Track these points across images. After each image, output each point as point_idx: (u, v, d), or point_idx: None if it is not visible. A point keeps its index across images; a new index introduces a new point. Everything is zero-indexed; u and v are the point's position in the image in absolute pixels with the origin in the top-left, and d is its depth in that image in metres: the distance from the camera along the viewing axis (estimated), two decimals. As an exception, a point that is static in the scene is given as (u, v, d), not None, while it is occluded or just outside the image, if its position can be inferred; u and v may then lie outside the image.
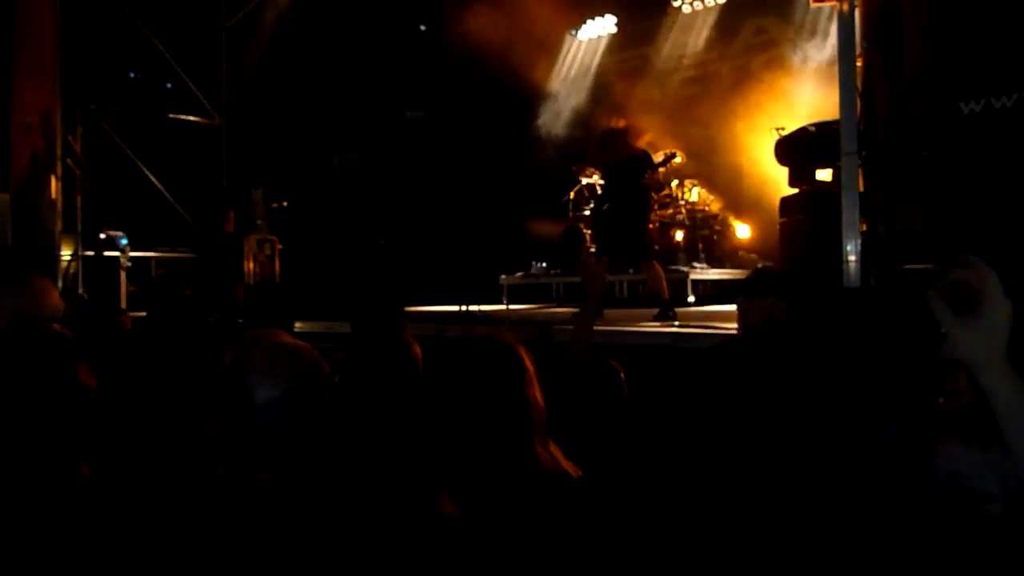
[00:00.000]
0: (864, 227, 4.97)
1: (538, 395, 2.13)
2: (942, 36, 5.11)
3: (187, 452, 2.18)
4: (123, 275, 9.33)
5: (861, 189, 5.08)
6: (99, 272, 9.48)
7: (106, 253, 9.51)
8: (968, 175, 4.91)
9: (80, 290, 9.21)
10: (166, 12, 10.84)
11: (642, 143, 6.86)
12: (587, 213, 9.49)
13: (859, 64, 5.37)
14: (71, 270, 9.53)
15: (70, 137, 9.67)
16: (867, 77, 5.50)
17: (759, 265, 9.34)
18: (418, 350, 2.91)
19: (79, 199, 9.57)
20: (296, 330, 3.46)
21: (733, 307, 7.59)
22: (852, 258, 4.69)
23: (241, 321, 3.47)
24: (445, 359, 2.32)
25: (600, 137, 7.01)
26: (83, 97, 9.88)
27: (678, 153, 7.70)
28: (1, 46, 10.08)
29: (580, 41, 12.49)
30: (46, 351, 1.77)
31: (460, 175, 11.48)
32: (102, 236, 9.65)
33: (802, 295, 2.91)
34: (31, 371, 1.73)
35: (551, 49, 12.02)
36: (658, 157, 6.93)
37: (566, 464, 2.08)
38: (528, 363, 2.15)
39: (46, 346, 1.78)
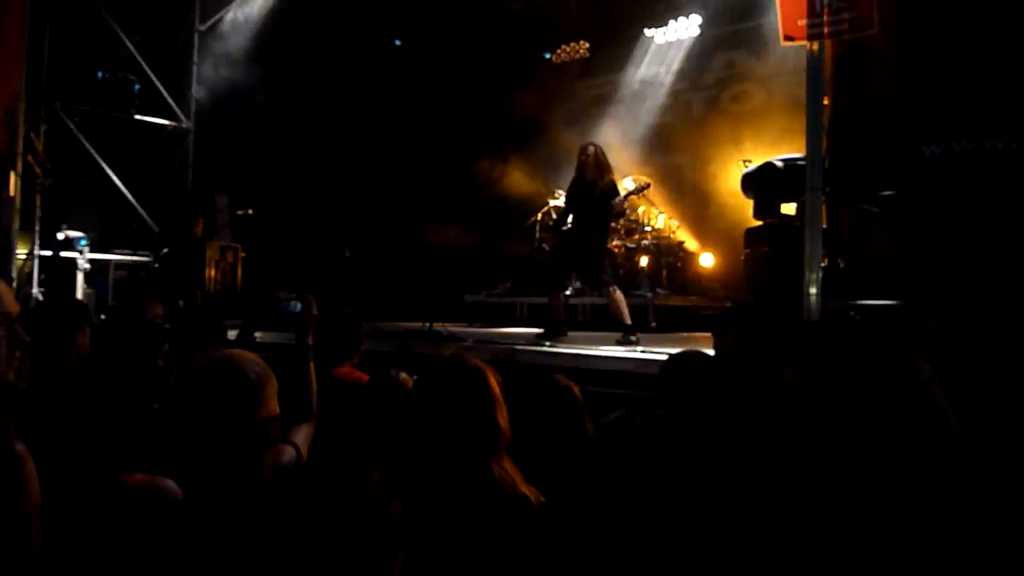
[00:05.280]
0: (826, 261, 5.07)
1: (502, 419, 2.12)
2: (908, 81, 5.26)
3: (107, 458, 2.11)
4: (80, 277, 9.14)
5: (824, 224, 5.18)
6: (55, 273, 9.27)
7: (63, 254, 9.30)
8: (927, 214, 5.04)
9: (34, 290, 9.00)
10: (138, 13, 10.72)
11: (609, 170, 6.89)
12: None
13: (826, 103, 5.49)
14: (26, 269, 9.30)
15: (32, 134, 9.47)
16: (834, 116, 5.63)
17: (723, 295, 9.46)
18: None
19: (38, 197, 9.35)
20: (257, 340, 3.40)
21: (695, 334, 7.66)
22: (813, 291, 4.77)
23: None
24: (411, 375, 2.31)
25: (578, 161, 7.01)
26: (48, 93, 9.70)
27: (650, 183, 7.75)
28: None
29: (554, 64, 12.60)
30: None
31: (428, 190, 11.46)
32: (60, 236, 9.45)
33: (766, 327, 2.97)
34: None
35: (525, 71, 12.10)
36: (628, 184, 6.97)
37: (526, 489, 2.06)
38: (494, 385, 2.14)
39: None
